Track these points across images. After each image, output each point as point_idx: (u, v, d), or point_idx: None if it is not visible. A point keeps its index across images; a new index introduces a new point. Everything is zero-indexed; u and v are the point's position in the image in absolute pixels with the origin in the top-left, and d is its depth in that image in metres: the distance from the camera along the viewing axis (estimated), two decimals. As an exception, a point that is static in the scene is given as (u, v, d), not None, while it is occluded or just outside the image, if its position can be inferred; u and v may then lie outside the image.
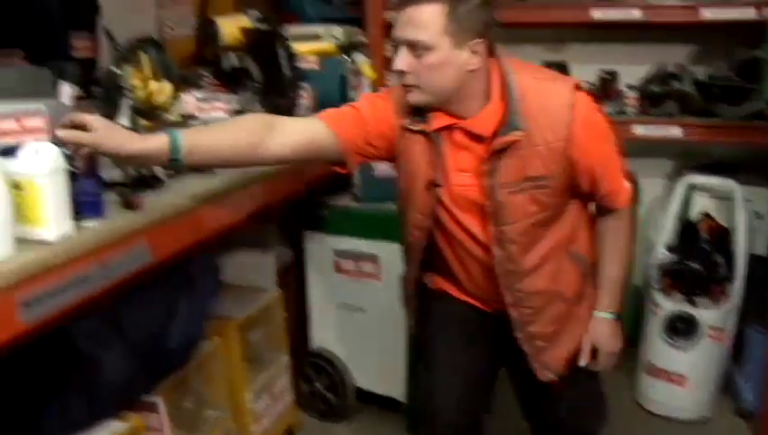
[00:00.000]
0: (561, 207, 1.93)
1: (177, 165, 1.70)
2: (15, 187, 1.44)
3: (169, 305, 2.17)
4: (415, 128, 1.86)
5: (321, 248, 3.08)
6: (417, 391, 2.69)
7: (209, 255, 2.33)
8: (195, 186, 1.95)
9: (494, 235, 1.88)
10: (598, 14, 3.39)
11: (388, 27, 3.44)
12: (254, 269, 2.97)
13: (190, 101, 2.18)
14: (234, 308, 2.65)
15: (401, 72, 1.77)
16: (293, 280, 3.23)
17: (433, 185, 1.89)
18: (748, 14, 3.17)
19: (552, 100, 1.81)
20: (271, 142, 1.80)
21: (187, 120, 2.16)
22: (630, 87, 3.55)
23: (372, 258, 2.95)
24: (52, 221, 1.48)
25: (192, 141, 1.70)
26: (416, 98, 1.80)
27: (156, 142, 1.65)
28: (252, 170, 2.11)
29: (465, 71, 1.76)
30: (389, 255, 2.85)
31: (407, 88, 1.80)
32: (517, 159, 1.80)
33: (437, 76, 1.76)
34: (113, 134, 1.59)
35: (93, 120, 1.56)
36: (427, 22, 1.69)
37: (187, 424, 2.32)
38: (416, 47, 1.72)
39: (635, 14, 3.36)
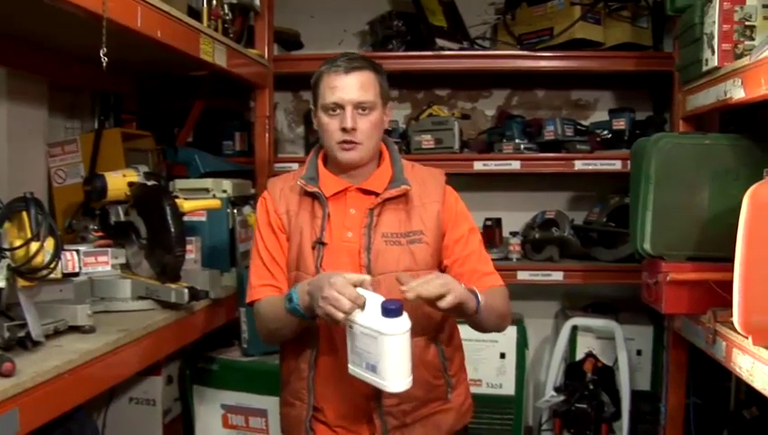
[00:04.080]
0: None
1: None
2: None
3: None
4: (310, 190, 2.04)
5: (209, 403, 3.00)
6: None
7: (83, 413, 2.24)
8: (73, 347, 1.90)
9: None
10: (479, 165, 3.57)
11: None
12: (140, 424, 2.88)
13: (72, 258, 2.15)
14: (117, 469, 2.53)
15: (350, 130, 1.97)
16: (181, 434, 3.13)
17: (318, 243, 2.01)
18: (615, 165, 3.41)
19: (426, 175, 2.12)
20: None
21: (69, 277, 2.13)
22: (513, 234, 3.70)
23: (261, 413, 2.90)
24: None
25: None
26: (358, 155, 2.02)
27: None
28: (131, 329, 2.09)
29: (382, 130, 2.07)
30: (278, 408, 2.80)
31: (348, 145, 2.00)
32: (397, 215, 2.03)
33: (376, 133, 2.04)
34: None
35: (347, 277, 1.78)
36: (370, 84, 2.00)
37: None
38: (363, 107, 1.98)
39: (514, 165, 3.55)
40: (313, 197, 2.05)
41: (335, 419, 2.06)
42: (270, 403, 2.86)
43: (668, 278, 2.48)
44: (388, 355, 1.71)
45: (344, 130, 1.97)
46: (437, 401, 2.08)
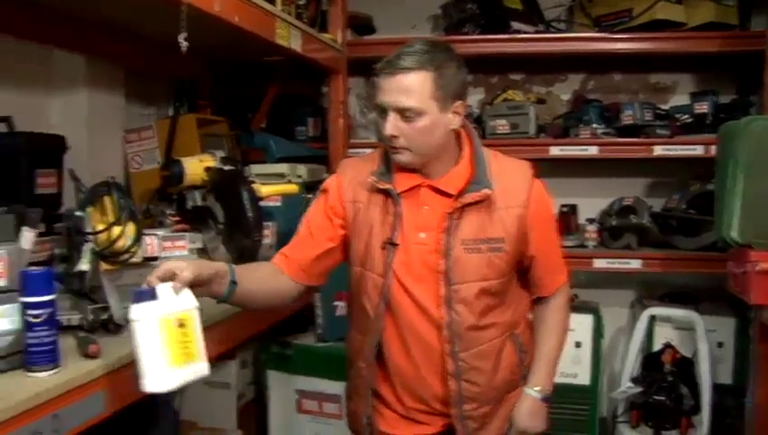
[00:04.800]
0: (509, 283, 1.97)
1: (233, 289, 1.79)
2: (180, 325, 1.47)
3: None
4: (382, 187, 1.91)
5: (284, 387, 3.03)
6: None
7: (167, 400, 2.26)
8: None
9: (445, 296, 1.88)
10: (555, 150, 3.50)
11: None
12: (215, 407, 2.91)
13: (152, 242, 2.17)
14: (193, 451, 2.56)
15: (392, 137, 1.82)
16: (254, 419, 3.16)
17: (389, 243, 1.90)
18: (696, 151, 3.30)
19: (513, 172, 1.94)
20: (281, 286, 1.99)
21: (149, 261, 2.14)
22: (590, 221, 3.62)
23: (335, 398, 2.91)
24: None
25: (239, 270, 1.82)
26: (406, 159, 1.87)
27: (217, 264, 1.78)
28: (214, 313, 2.09)
29: (448, 130, 1.87)
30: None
31: (395, 150, 1.86)
32: (478, 219, 1.88)
33: (428, 138, 1.84)
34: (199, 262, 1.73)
35: (183, 267, 1.62)
36: (416, 88, 1.78)
37: None
38: (406, 113, 1.79)
39: (591, 150, 3.47)
40: (386, 193, 1.93)
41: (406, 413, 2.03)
42: (343, 388, 2.85)
43: (758, 268, 2.39)
44: (137, 348, 1.47)
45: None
46: (514, 390, 2.05)
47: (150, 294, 1.50)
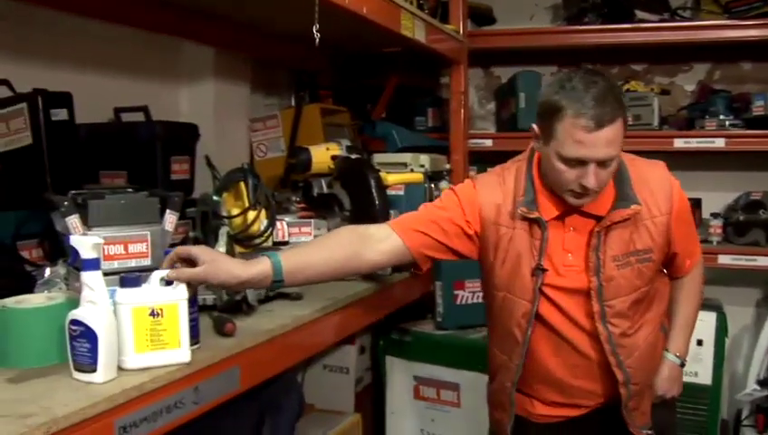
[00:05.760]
0: (655, 283, 1.98)
1: (279, 286, 1.79)
2: (153, 314, 1.50)
3: (255, 427, 2.17)
4: (532, 215, 1.87)
5: (402, 373, 3.07)
6: None
7: (292, 376, 2.34)
8: (283, 312, 1.98)
9: (599, 312, 1.87)
10: (680, 142, 3.41)
11: (470, 154, 3.53)
12: (333, 391, 2.98)
13: (282, 227, 2.24)
14: (314, 430, 2.65)
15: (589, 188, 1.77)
16: (371, 404, 3.21)
17: (539, 269, 1.88)
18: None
19: (653, 179, 1.90)
20: (365, 253, 1.89)
21: (279, 245, 2.21)
22: (714, 215, 3.51)
23: (453, 386, 2.93)
24: (185, 344, 1.53)
25: (292, 262, 1.77)
26: (588, 201, 1.83)
27: (259, 268, 1.72)
28: (337, 298, 2.15)
29: None
30: (470, 383, 2.85)
31: (583, 196, 1.80)
32: (624, 234, 1.86)
33: (611, 176, 1.82)
34: (220, 266, 1.65)
35: (200, 253, 1.63)
36: (618, 136, 1.73)
37: None
38: (607, 163, 1.75)
39: (718, 142, 3.37)
40: (533, 220, 1.89)
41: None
42: (462, 377, 2.91)
43: None
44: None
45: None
46: None
47: (134, 282, 1.53)
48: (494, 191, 1.95)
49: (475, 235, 1.95)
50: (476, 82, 4.15)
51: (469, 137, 3.61)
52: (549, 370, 1.97)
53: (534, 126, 1.83)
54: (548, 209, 1.88)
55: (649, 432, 2.03)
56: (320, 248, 1.92)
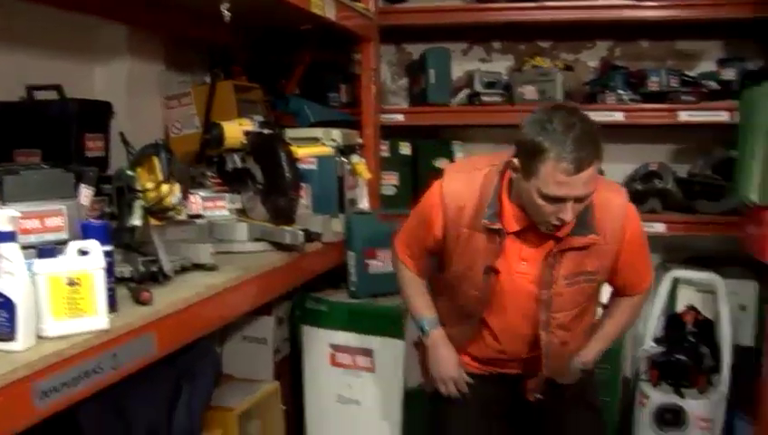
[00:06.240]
0: (593, 298, 2.20)
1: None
2: (70, 283, 1.56)
3: (172, 392, 2.23)
4: (494, 227, 2.04)
5: (318, 342, 3.15)
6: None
7: (208, 343, 2.40)
8: (198, 281, 2.05)
9: (544, 321, 2.11)
10: (582, 116, 3.55)
11: (383, 129, 3.62)
12: (252, 362, 3.04)
13: (196, 201, 2.30)
14: (232, 399, 2.69)
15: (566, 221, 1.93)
16: (290, 373, 3.30)
17: (491, 270, 2.08)
18: (722, 117, 3.34)
19: (612, 207, 2.06)
20: None
21: (193, 218, 2.27)
22: (614, 185, 3.67)
23: (367, 352, 3.03)
24: (103, 311, 1.59)
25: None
26: (563, 232, 2.00)
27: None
28: (251, 268, 2.25)
29: None
30: (384, 348, 2.98)
31: (555, 227, 1.97)
32: (578, 256, 2.04)
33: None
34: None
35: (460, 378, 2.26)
36: (595, 175, 1.89)
37: None
38: (584, 199, 1.92)
39: (617, 115, 3.53)
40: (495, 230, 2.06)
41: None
42: (375, 343, 3.01)
43: (774, 228, 2.45)
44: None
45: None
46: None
47: (51, 253, 1.61)
48: (460, 192, 2.10)
49: (443, 237, 2.16)
50: (389, 58, 4.23)
51: (381, 112, 3.70)
52: (487, 343, 2.24)
53: (515, 160, 1.96)
54: (511, 223, 2.05)
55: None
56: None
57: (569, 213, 1.90)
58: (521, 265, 2.08)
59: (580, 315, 2.18)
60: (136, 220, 1.98)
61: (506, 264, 2.07)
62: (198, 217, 2.33)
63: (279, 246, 2.51)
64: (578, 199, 1.90)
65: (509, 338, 2.21)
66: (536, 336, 2.14)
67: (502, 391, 2.33)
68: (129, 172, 2.01)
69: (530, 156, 1.89)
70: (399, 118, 3.75)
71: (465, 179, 2.12)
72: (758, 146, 2.49)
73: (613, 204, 2.06)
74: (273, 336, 3.11)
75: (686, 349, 3.36)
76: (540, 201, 1.91)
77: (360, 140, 3.31)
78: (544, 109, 1.95)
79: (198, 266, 2.16)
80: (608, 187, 2.11)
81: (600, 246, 2.04)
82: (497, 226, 2.03)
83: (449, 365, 2.27)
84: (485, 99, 3.68)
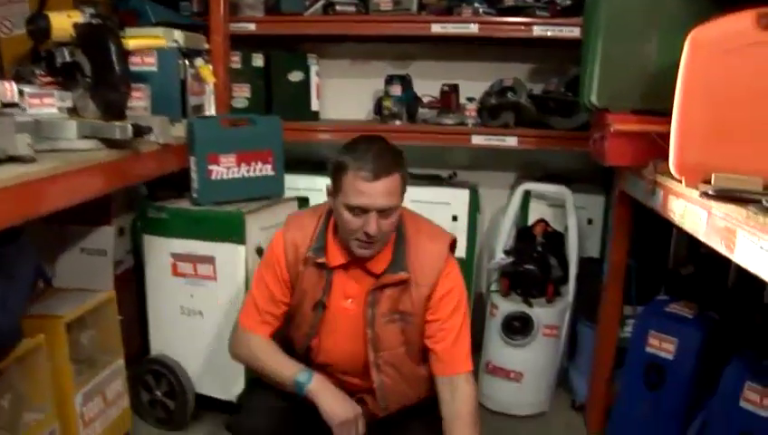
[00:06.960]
0: (423, 351, 2.22)
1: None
2: None
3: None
4: (319, 260, 2.15)
5: (159, 252, 3.03)
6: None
7: (26, 240, 2.26)
8: (12, 172, 1.91)
9: (374, 360, 2.18)
10: (437, 27, 3.53)
11: (231, 37, 3.48)
12: (90, 274, 2.90)
13: (10, 88, 2.13)
14: (62, 307, 2.56)
15: (372, 235, 2.02)
16: (134, 287, 3.18)
17: (319, 305, 2.17)
18: (574, 32, 3.37)
19: (429, 252, 2.16)
20: None
21: (6, 107, 2.12)
22: (470, 99, 3.70)
23: (209, 259, 2.93)
24: None
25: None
26: (372, 252, 2.10)
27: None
28: (72, 161, 2.13)
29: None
30: (226, 255, 2.89)
31: (367, 245, 2.07)
32: (395, 294, 2.14)
33: (393, 229, 2.11)
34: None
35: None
36: (395, 189, 2.03)
37: (2, 424, 2.22)
38: (388, 212, 2.03)
39: (472, 27, 3.52)
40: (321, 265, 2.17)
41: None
42: (217, 250, 2.92)
43: (612, 129, 2.47)
44: None
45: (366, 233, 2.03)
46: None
47: None
48: (296, 233, 2.21)
49: (289, 279, 2.22)
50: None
51: (233, 21, 3.55)
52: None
53: (328, 183, 2.11)
54: (335, 257, 2.16)
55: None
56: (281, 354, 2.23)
57: (372, 225, 2.00)
58: (347, 302, 2.18)
59: (410, 358, 2.22)
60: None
61: (335, 301, 2.18)
62: (13, 105, 2.16)
63: (110, 144, 2.37)
64: (381, 212, 2.01)
65: (342, 373, 2.26)
66: (369, 373, 2.21)
67: None
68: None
69: (336, 173, 2.05)
70: (251, 27, 3.60)
71: (301, 225, 2.24)
72: (597, 47, 2.50)
73: (431, 248, 2.17)
74: (114, 248, 2.96)
75: (535, 259, 3.43)
76: (347, 215, 2.04)
77: (206, 46, 3.18)
78: (352, 139, 2.14)
79: (15, 159, 2.01)
80: (430, 231, 2.24)
81: (413, 287, 2.14)
82: (321, 259, 2.15)
83: (346, 404, 2.14)
84: (339, 8, 3.60)
